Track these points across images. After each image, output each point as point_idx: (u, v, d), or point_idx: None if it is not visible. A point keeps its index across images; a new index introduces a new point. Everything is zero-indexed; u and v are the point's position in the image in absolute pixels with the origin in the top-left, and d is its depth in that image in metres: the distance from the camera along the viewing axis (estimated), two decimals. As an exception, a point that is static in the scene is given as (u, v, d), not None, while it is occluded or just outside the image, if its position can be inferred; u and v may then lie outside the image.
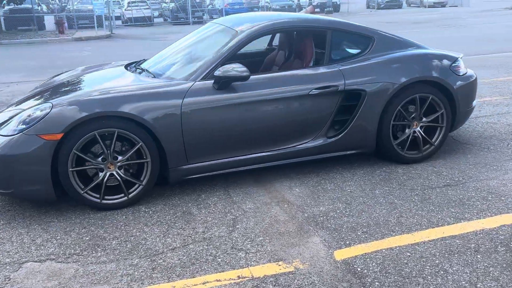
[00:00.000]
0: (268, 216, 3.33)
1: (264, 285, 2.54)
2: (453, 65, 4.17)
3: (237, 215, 3.36)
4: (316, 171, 4.09)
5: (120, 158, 3.43)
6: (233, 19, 4.42)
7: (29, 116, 3.30)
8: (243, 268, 2.71)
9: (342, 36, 4.14)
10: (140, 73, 4.02)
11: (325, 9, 34.63)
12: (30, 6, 25.11)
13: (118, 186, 3.47)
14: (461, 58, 4.40)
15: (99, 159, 3.39)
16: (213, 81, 3.56)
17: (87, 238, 3.11)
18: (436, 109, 4.12)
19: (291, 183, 3.87)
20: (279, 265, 2.72)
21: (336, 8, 35.47)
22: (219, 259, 2.80)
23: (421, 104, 4.06)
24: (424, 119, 4.15)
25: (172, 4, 31.64)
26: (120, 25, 29.79)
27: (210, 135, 3.58)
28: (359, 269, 2.65)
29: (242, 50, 5.10)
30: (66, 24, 25.03)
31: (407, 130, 4.13)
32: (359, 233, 3.03)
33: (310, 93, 3.74)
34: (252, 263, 2.76)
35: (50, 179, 3.26)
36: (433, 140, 4.19)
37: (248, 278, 2.61)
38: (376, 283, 2.52)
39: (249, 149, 3.74)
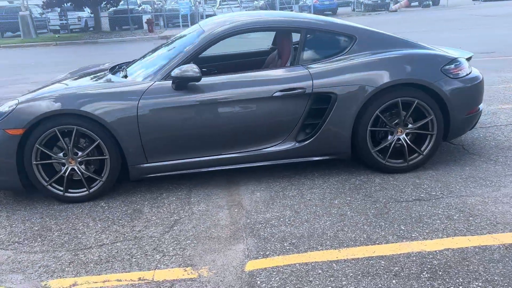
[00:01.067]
0: (211, 219, 3.28)
1: (156, 289, 2.52)
2: (446, 66, 3.74)
3: (183, 216, 3.35)
4: (290, 175, 3.93)
5: (80, 154, 3.59)
6: (213, 20, 4.39)
7: (0, 111, 3.58)
8: (149, 270, 2.71)
9: (318, 36, 3.91)
10: (114, 73, 4.15)
11: (423, 3, 32.76)
12: (132, 7, 27.31)
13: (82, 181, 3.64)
14: (465, 58, 3.94)
15: (61, 154, 3.58)
16: (171, 81, 3.57)
17: (37, 228, 3.31)
18: (425, 115, 3.74)
19: (256, 186, 3.77)
20: (186, 271, 2.68)
21: (435, 1, 33.37)
22: (134, 259, 2.83)
23: (406, 109, 3.71)
24: (410, 125, 3.79)
25: (262, 2, 32.11)
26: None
27: (170, 135, 3.60)
28: (258, 282, 2.51)
29: (246, 50, 5.08)
30: (161, 23, 26.51)
31: (389, 137, 3.80)
32: (285, 244, 2.87)
33: (273, 95, 3.60)
34: (162, 266, 2.74)
35: (16, 171, 3.51)
36: (422, 148, 3.81)
37: (147, 281, 2.61)
38: (266, 299, 2.38)
39: (213, 150, 3.70)
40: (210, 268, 2.68)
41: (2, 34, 25.77)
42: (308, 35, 3.84)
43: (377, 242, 2.83)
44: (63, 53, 17.15)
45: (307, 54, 3.81)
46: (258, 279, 2.54)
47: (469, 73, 3.88)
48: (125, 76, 3.96)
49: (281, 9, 30.07)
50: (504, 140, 4.46)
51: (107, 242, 3.06)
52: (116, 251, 2.94)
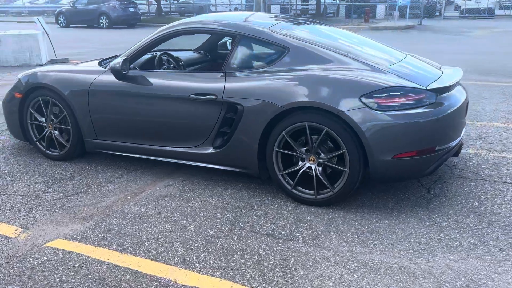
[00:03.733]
0: (97, 197, 3.65)
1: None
2: (372, 95, 3.11)
3: (79, 189, 3.81)
4: (214, 178, 3.94)
5: (55, 120, 4.37)
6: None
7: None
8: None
9: (252, 43, 3.69)
10: (100, 62, 4.65)
11: None
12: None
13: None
14: (405, 87, 3.18)
15: (43, 119, 4.44)
16: (115, 71, 4.00)
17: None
18: (339, 146, 3.24)
19: (175, 181, 3.93)
20: (16, 230, 3.18)
21: None
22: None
23: (316, 135, 3.28)
24: (322, 155, 3.33)
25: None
26: (454, 16, 29.06)
27: (108, 117, 4.07)
28: (33, 256, 2.84)
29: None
30: (396, 13, 25.78)
31: (300, 163, 3.42)
32: (114, 239, 3.07)
33: (189, 97, 3.66)
34: (10, 220, 3.31)
35: (19, 125, 4.54)
36: (335, 184, 3.31)
37: (-13, 228, 3.23)
38: None
39: (146, 140, 3.99)
40: (32, 234, 3.12)
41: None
42: (241, 42, 3.69)
43: (159, 259, 2.77)
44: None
45: (235, 61, 3.68)
46: (38, 253, 2.87)
47: (417, 107, 3.13)
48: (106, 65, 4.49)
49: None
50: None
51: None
52: None
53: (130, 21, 24.53)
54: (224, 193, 3.70)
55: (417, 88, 3.21)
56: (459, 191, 3.63)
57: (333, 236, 3.01)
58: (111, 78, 3.99)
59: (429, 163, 3.25)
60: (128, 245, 2.95)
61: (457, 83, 3.64)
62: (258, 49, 3.71)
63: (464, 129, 3.72)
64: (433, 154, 3.21)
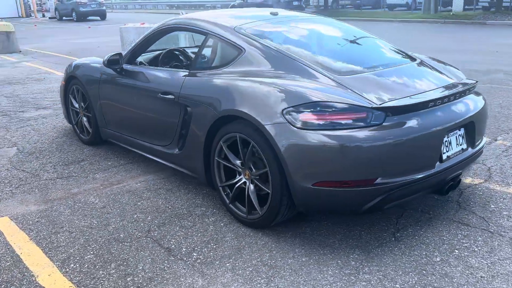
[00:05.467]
0: (66, 182, 3.87)
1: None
2: (298, 109, 2.61)
3: (72, 173, 4.07)
4: (189, 180, 3.82)
5: (83, 107, 4.76)
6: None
7: None
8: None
9: (216, 43, 3.38)
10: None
11: None
12: None
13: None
14: (340, 103, 2.58)
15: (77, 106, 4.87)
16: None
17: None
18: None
19: (156, 178, 3.94)
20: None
21: None
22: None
23: (246, 148, 2.92)
24: (253, 171, 2.94)
25: None
26: None
27: (110, 107, 4.25)
28: (-30, 228, 3.18)
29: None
30: None
31: (237, 177, 3.08)
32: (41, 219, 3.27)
33: (158, 96, 3.59)
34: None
35: (65, 109, 5.08)
36: (264, 206, 2.91)
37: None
38: None
39: (134, 133, 4.04)
40: (-6, 208, 3.49)
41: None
42: (209, 40, 3.44)
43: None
44: (430, 33, 17.03)
45: (199, 60, 3.49)
46: (-24, 226, 3.20)
47: (355, 127, 2.54)
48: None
49: None
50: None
51: None
52: None
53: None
54: (180, 197, 3.56)
55: (355, 105, 2.59)
56: (432, 240, 2.83)
57: (227, 264, 2.65)
58: (111, 70, 4.15)
59: (366, 198, 2.61)
60: (44, 233, 3.07)
61: (448, 100, 2.83)
62: (223, 49, 3.41)
63: (467, 159, 2.92)
64: (371, 187, 2.57)
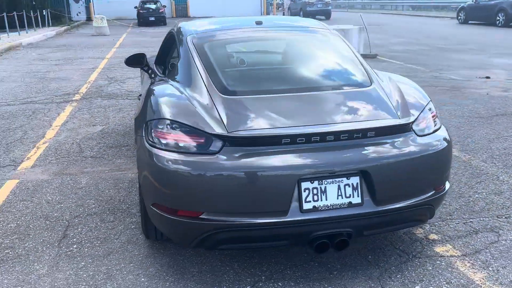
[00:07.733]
0: (91, 162, 4.46)
1: None
2: (151, 123, 2.57)
3: (104, 155, 4.65)
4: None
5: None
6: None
7: None
8: None
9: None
10: None
11: None
12: None
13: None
14: (185, 124, 2.41)
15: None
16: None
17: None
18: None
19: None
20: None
21: None
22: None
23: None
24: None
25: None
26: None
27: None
28: None
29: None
30: None
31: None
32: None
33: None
34: (37, 162, 4.60)
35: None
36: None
37: None
38: None
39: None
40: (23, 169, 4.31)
41: None
42: (176, 47, 3.46)
43: None
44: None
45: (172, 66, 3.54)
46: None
47: (195, 153, 2.39)
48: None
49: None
50: None
51: None
52: None
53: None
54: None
55: (198, 128, 2.38)
56: None
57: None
58: None
59: (193, 232, 2.36)
60: None
61: (323, 140, 2.30)
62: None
63: (358, 217, 2.35)
64: (197, 221, 2.32)
